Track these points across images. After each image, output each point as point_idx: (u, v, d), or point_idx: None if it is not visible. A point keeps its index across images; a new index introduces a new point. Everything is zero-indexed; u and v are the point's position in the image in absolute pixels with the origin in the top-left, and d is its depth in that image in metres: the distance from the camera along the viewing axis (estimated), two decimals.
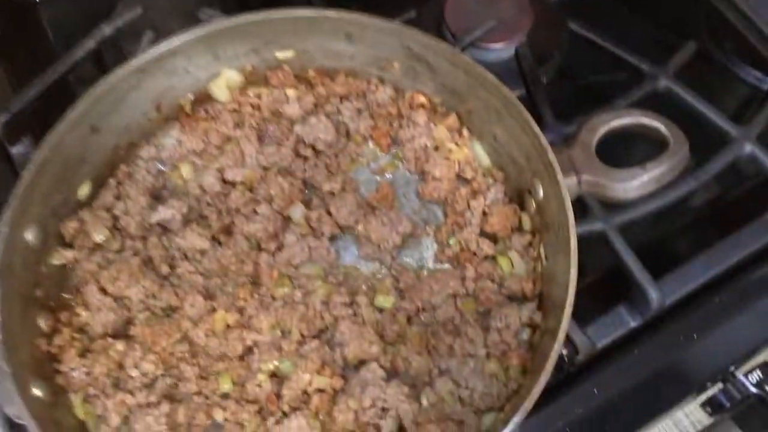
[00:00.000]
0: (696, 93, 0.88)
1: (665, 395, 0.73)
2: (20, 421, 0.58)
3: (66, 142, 0.69)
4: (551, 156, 0.68)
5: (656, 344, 0.75)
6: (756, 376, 0.74)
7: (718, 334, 0.75)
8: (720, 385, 0.76)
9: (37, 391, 0.60)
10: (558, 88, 0.99)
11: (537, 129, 0.70)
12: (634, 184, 0.72)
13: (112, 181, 0.77)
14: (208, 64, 0.79)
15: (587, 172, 0.71)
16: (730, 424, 0.72)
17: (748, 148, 0.84)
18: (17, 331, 0.61)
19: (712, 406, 0.77)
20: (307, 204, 0.79)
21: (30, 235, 0.66)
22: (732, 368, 0.75)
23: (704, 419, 0.82)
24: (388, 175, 0.83)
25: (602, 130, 0.74)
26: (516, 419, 0.57)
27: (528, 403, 0.58)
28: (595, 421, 0.71)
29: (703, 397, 0.78)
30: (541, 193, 0.72)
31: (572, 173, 0.70)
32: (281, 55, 0.82)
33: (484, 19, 0.97)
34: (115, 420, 0.62)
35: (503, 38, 0.98)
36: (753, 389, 0.73)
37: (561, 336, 0.61)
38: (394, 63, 0.81)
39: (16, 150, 0.89)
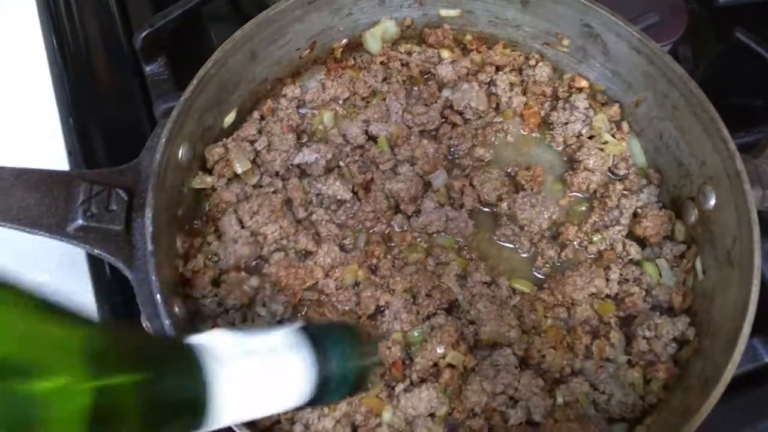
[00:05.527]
0: None
1: None
2: None
3: (228, 63, 0.67)
4: (740, 163, 0.63)
5: None
6: None
7: None
8: None
9: (176, 311, 0.57)
10: None
11: (726, 131, 0.64)
12: None
13: (255, 114, 0.74)
14: (371, 9, 0.76)
15: None
16: None
17: None
18: (163, 246, 0.58)
19: None
20: (448, 172, 0.75)
21: (181, 151, 0.64)
22: None
23: None
24: (531, 156, 0.79)
25: None
26: None
27: (693, 424, 0.54)
28: None
29: None
30: (712, 202, 0.67)
31: (757, 186, 0.65)
32: (445, 12, 0.78)
33: (635, 13, 0.90)
34: None
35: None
36: None
37: (731, 367, 0.56)
38: (564, 40, 0.76)
39: (149, 69, 0.88)
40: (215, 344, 0.40)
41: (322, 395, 0.44)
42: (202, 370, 0.39)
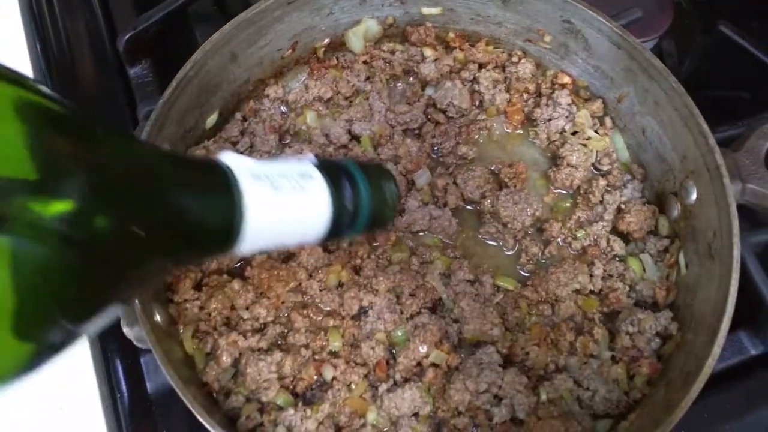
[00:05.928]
0: None
1: None
2: (139, 345, 0.55)
3: (208, 65, 0.66)
4: (719, 157, 0.63)
5: None
6: None
7: None
8: None
9: (156, 318, 0.57)
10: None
11: (705, 125, 0.64)
12: None
13: (238, 116, 0.74)
14: (352, 8, 0.75)
15: (753, 181, 0.65)
16: None
17: None
18: None
19: None
20: (431, 171, 0.75)
21: None
22: None
23: None
24: (515, 153, 0.78)
25: None
26: None
27: (674, 418, 0.54)
28: None
29: None
30: (693, 196, 0.67)
31: (737, 179, 0.65)
32: (427, 10, 0.78)
33: (620, 8, 0.90)
34: (226, 360, 0.60)
35: (636, 34, 0.92)
36: None
37: (711, 361, 0.56)
38: (546, 36, 0.76)
39: (133, 72, 0.87)
40: (246, 165, 0.38)
41: (340, 229, 0.43)
42: (236, 188, 0.37)
